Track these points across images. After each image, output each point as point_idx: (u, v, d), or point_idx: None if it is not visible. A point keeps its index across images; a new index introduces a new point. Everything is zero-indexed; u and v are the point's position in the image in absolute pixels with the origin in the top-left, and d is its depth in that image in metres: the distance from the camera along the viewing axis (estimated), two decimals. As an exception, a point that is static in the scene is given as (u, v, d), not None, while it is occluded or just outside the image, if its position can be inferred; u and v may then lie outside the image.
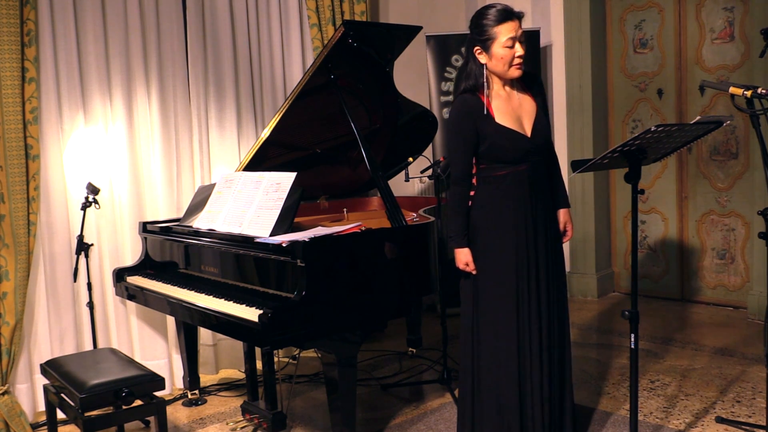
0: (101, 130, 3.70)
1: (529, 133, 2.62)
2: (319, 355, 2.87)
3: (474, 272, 2.66)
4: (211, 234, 3.11)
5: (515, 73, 2.56)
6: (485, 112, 2.56)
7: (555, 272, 2.71)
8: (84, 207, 3.48)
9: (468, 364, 2.72)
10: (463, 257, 2.66)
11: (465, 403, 2.75)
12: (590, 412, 3.29)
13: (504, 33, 2.49)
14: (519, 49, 2.52)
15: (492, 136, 2.56)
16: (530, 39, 3.82)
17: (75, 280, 3.55)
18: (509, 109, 2.61)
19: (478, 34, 2.54)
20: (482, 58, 2.57)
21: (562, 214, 2.82)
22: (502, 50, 2.51)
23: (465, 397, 2.75)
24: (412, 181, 3.82)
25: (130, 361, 2.87)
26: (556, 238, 2.76)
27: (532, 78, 2.73)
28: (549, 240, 2.69)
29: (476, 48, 2.57)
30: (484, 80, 2.57)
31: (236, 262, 2.93)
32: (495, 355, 2.64)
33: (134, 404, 2.68)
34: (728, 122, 2.57)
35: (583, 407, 3.35)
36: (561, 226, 2.82)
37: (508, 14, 2.51)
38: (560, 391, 2.72)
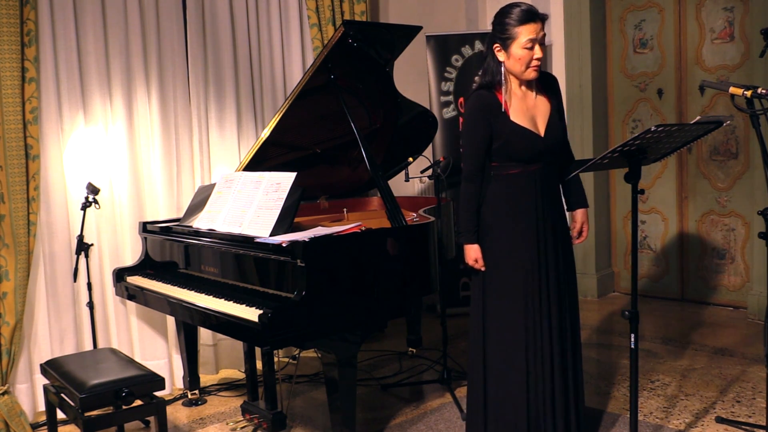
0: (101, 130, 3.70)
1: (542, 133, 2.62)
2: (319, 355, 2.87)
3: (483, 269, 2.66)
4: (211, 234, 3.11)
5: (531, 74, 2.57)
6: (501, 110, 2.57)
7: (565, 273, 2.70)
8: (84, 207, 3.48)
9: (477, 364, 2.72)
10: (473, 254, 2.66)
11: (475, 400, 2.74)
12: (590, 411, 3.29)
13: (525, 34, 2.49)
14: (538, 52, 2.52)
15: (506, 134, 2.56)
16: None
17: (75, 280, 3.55)
18: (524, 108, 2.61)
19: (500, 31, 2.54)
20: (500, 56, 2.57)
21: (581, 214, 2.82)
22: (521, 51, 2.51)
23: (475, 393, 2.74)
24: (412, 181, 3.82)
25: (130, 361, 2.87)
26: (566, 239, 2.75)
27: (549, 79, 2.73)
28: (559, 241, 2.69)
29: (496, 45, 2.57)
30: (502, 78, 2.58)
31: (236, 262, 2.93)
32: (502, 356, 2.64)
33: (134, 404, 2.68)
34: (728, 122, 2.56)
35: (584, 407, 3.34)
36: (578, 226, 2.81)
37: (532, 15, 2.51)
38: (574, 392, 2.72)
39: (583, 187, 2.87)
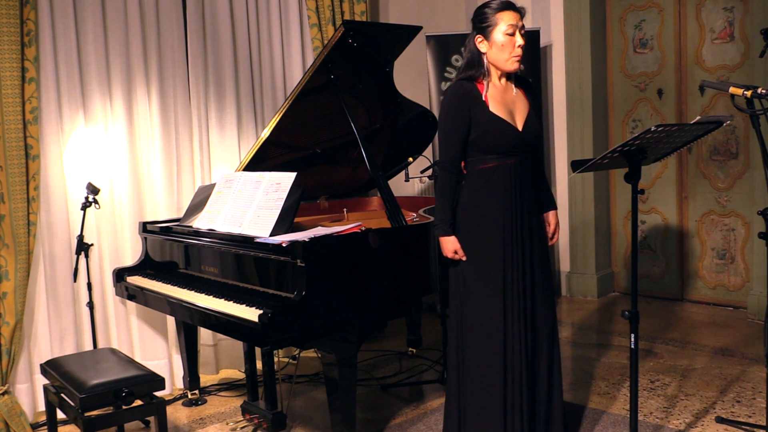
0: (101, 130, 3.70)
1: (520, 127, 2.63)
2: (319, 355, 2.87)
3: (464, 258, 2.64)
4: (211, 234, 3.11)
5: (513, 65, 2.59)
6: (481, 99, 2.59)
7: (541, 268, 2.70)
8: (84, 207, 3.48)
9: (455, 360, 2.70)
10: (451, 245, 2.64)
11: (451, 398, 2.74)
12: (590, 412, 3.29)
13: (505, 20, 2.54)
14: (519, 39, 2.56)
15: (484, 125, 2.57)
16: (530, 39, 3.83)
17: (75, 280, 3.55)
18: (503, 101, 2.63)
19: (480, 21, 2.59)
20: (482, 47, 2.60)
21: (552, 215, 2.84)
22: (503, 37, 2.54)
23: (452, 392, 2.73)
24: (412, 181, 3.82)
25: (130, 361, 2.87)
26: (542, 234, 2.77)
27: (525, 82, 2.77)
28: (535, 235, 2.69)
29: (477, 36, 2.60)
30: (484, 69, 2.60)
31: (236, 262, 2.93)
32: (481, 352, 2.62)
33: (134, 404, 2.68)
34: (728, 122, 2.57)
35: (583, 407, 3.35)
36: (552, 228, 2.83)
37: (511, 4, 2.58)
38: (548, 388, 2.72)
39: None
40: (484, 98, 2.59)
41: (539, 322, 2.68)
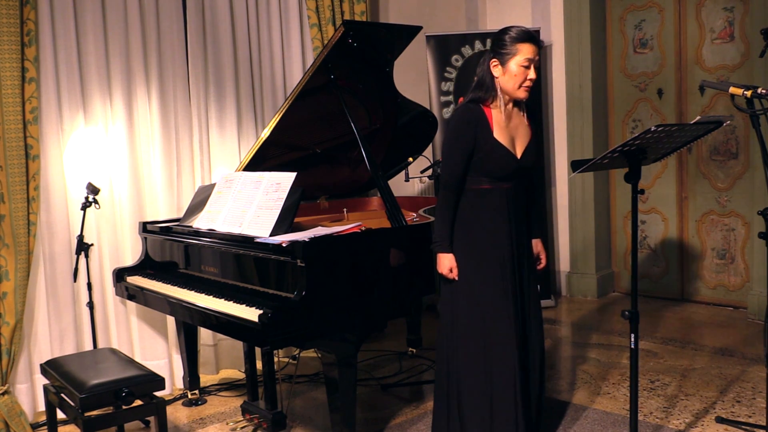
0: (101, 130, 3.70)
1: (519, 155, 2.66)
2: (319, 355, 2.87)
3: (456, 278, 2.67)
4: (211, 234, 3.11)
5: (522, 94, 2.61)
6: (486, 125, 2.61)
7: (534, 288, 2.76)
8: (84, 207, 3.48)
9: (444, 378, 2.71)
10: (448, 263, 2.67)
11: (440, 406, 2.74)
12: (590, 412, 3.30)
13: (524, 52, 2.55)
14: (532, 73, 2.58)
15: (486, 150, 2.60)
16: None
17: (75, 280, 3.55)
18: (506, 128, 2.66)
19: (499, 47, 2.59)
20: (496, 71, 2.61)
21: (537, 243, 2.88)
22: (517, 68, 2.56)
23: (440, 398, 2.74)
24: (412, 181, 3.82)
25: (130, 361, 2.87)
26: (531, 255, 2.81)
27: (531, 108, 2.79)
28: (526, 256, 2.73)
29: (493, 60, 2.61)
30: (496, 93, 2.62)
31: (236, 262, 2.93)
32: (470, 373, 2.64)
33: (134, 404, 2.68)
34: (728, 122, 2.57)
35: (583, 407, 3.35)
36: (535, 254, 2.86)
37: (532, 37, 2.58)
38: (539, 394, 2.77)
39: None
40: (490, 124, 2.61)
41: (531, 338, 2.73)
